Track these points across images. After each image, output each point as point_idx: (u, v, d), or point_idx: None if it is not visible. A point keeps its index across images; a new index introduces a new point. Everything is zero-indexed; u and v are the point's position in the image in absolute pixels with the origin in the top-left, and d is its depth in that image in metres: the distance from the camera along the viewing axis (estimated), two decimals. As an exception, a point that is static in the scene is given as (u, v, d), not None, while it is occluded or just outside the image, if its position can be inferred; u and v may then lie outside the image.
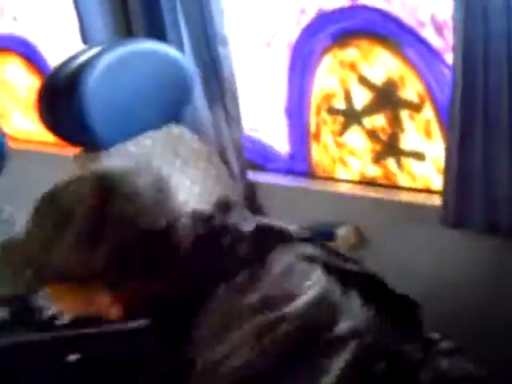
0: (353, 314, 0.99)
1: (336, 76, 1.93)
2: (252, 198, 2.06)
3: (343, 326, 0.96)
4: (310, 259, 1.03)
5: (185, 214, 1.00)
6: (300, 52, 1.96)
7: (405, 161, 1.91)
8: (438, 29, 1.74)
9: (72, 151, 1.86)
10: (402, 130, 1.87)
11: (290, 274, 0.99)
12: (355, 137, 1.95)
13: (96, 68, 1.67)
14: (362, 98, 1.90)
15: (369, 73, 1.87)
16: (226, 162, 2.00)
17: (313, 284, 0.99)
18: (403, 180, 1.93)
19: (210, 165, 1.92)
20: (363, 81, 1.88)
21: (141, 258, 0.95)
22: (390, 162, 1.93)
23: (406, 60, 1.81)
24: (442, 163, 1.81)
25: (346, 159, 2.00)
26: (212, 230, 1.02)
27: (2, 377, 0.97)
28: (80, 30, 2.09)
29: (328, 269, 1.03)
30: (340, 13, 1.88)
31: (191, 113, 1.96)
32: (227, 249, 1.00)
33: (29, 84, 2.68)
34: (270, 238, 1.04)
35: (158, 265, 0.97)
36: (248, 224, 1.04)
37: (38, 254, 0.96)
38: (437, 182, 1.86)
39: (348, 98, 1.92)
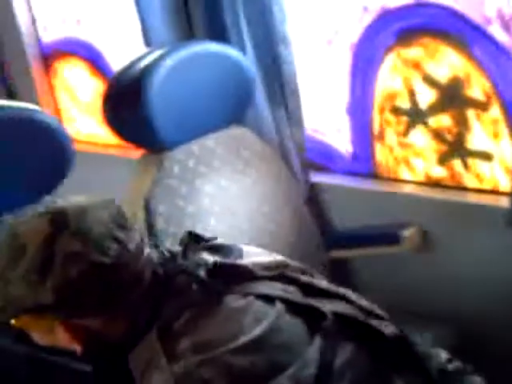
0: (305, 361, 0.96)
1: (400, 75, 1.90)
2: (315, 200, 2.04)
3: (286, 376, 0.93)
4: (269, 299, 1.02)
5: (146, 252, 1.02)
6: (363, 51, 1.94)
7: (471, 161, 1.86)
8: (506, 25, 1.70)
9: (135, 153, 1.87)
10: (468, 129, 1.83)
11: (240, 314, 0.98)
12: (420, 137, 1.92)
13: (159, 70, 1.68)
14: (426, 97, 1.87)
15: (433, 71, 1.84)
16: (288, 163, 1.99)
17: (259, 326, 0.97)
18: (469, 181, 1.89)
19: (272, 166, 1.92)
20: (428, 79, 1.85)
21: (90, 293, 0.96)
22: (456, 163, 1.89)
23: (472, 57, 1.77)
24: (509, 163, 1.76)
25: (411, 160, 1.97)
26: (169, 270, 1.03)
27: None
28: (142, 33, 2.11)
29: (294, 308, 1.02)
30: (403, 10, 1.85)
31: (253, 114, 1.96)
32: (179, 290, 1.01)
33: (92, 87, 2.71)
34: (227, 278, 1.03)
35: (109, 301, 0.98)
36: (206, 264, 1.04)
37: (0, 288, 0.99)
38: (504, 183, 1.81)
39: (412, 97, 1.89)
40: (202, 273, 1.02)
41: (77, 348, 1.02)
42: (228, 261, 1.07)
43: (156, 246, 1.13)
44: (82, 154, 2.17)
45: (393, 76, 1.91)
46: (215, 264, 1.05)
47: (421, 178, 1.97)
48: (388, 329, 1.07)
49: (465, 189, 1.90)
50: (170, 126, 1.72)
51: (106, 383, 1.03)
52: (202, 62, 1.80)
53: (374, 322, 1.07)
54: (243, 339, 0.95)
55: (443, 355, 1.12)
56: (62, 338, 1.02)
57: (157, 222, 1.68)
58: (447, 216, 1.88)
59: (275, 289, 1.05)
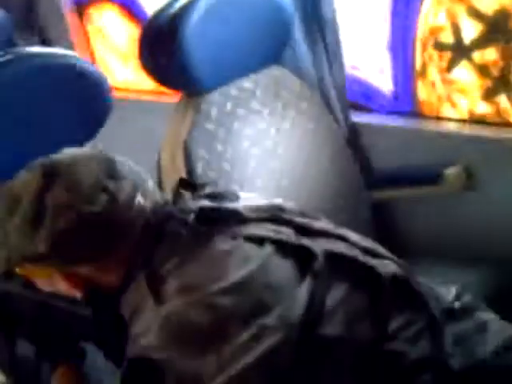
0: (293, 302, 0.95)
1: (443, 8, 1.83)
2: (356, 140, 2.01)
3: (273, 316, 0.93)
4: (259, 240, 1.02)
5: (137, 201, 1.04)
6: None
7: (517, 97, 1.81)
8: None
9: (173, 99, 1.86)
10: (515, 63, 1.77)
11: (226, 256, 0.99)
12: (464, 72, 1.86)
13: (195, 11, 1.65)
14: (471, 30, 1.80)
15: (479, 3, 1.77)
16: (328, 103, 1.95)
17: (246, 266, 0.97)
18: (515, 117, 1.84)
19: (311, 106, 1.89)
20: (473, 12, 1.78)
21: (80, 243, 1.01)
22: (502, 99, 1.83)
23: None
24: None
25: (454, 97, 1.92)
26: (160, 218, 1.05)
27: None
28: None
29: (285, 250, 1.01)
30: None
31: (292, 53, 1.92)
32: (168, 237, 1.03)
33: (127, 33, 2.69)
34: (215, 222, 1.05)
35: (100, 250, 1.02)
36: (194, 207, 1.06)
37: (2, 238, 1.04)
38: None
39: (456, 31, 1.83)
40: (189, 218, 1.04)
41: (76, 294, 1.06)
42: (218, 205, 1.08)
43: (196, 191, 1.13)
44: (119, 100, 2.17)
45: (436, 10, 1.85)
46: (203, 209, 1.06)
47: (465, 115, 1.92)
48: (387, 268, 1.04)
49: (510, 125, 1.85)
50: (207, 68, 1.69)
51: (105, 327, 1.06)
52: (239, 2, 1.76)
53: (373, 262, 1.04)
54: (228, 280, 0.95)
55: (452, 293, 1.10)
56: (61, 285, 1.06)
57: (196, 167, 1.67)
58: (492, 154, 1.83)
59: (266, 230, 1.04)
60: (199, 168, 1.68)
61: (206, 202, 1.09)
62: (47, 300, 1.11)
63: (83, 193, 1.00)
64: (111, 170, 1.04)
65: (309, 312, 0.94)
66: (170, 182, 1.68)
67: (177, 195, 1.11)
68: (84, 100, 1.57)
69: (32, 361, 1.17)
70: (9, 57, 1.41)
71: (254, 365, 0.89)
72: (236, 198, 1.13)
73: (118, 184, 1.03)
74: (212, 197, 1.11)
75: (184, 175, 1.67)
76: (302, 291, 0.96)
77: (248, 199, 1.14)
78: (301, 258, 1.01)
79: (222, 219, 1.06)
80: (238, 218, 1.06)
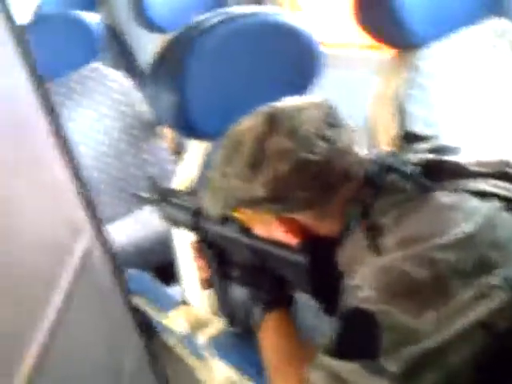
0: None
1: None
2: None
3: (498, 275, 0.85)
4: (485, 196, 0.94)
5: (356, 150, 1.02)
6: None
7: None
8: None
9: (383, 53, 1.81)
10: None
11: (449, 210, 0.92)
12: None
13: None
14: None
15: None
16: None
17: (470, 221, 0.90)
18: None
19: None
20: None
21: (297, 189, 0.99)
22: None
23: None
24: None
25: None
26: (380, 168, 1.01)
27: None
28: None
29: None
30: None
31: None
32: (388, 188, 0.99)
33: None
34: (437, 175, 0.99)
35: (317, 197, 1.00)
36: (415, 160, 1.02)
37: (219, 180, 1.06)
38: None
39: None
40: (410, 170, 1.01)
41: (292, 241, 1.06)
42: (439, 158, 1.04)
43: (416, 144, 1.10)
44: (328, 56, 2.15)
45: None
46: (426, 161, 1.03)
47: None
48: None
49: None
50: (423, 22, 1.64)
51: (321, 276, 1.06)
52: None
53: None
54: (451, 235, 0.89)
55: None
56: (277, 231, 1.07)
57: (410, 123, 1.63)
58: None
59: (492, 185, 0.98)
60: (413, 125, 1.64)
61: (428, 155, 1.05)
62: (262, 246, 1.13)
63: (303, 140, 1.00)
64: (332, 119, 1.03)
65: None
66: (380, 137, 1.65)
67: (397, 147, 1.09)
68: (293, 57, 1.58)
69: (244, 304, 1.20)
70: (218, 18, 1.45)
71: (474, 325, 0.84)
72: (459, 152, 1.08)
73: (337, 132, 1.02)
74: (434, 151, 1.08)
75: (396, 131, 1.63)
76: None
77: (472, 154, 1.08)
78: None
79: (445, 173, 1.02)
80: (462, 172, 1.01)
